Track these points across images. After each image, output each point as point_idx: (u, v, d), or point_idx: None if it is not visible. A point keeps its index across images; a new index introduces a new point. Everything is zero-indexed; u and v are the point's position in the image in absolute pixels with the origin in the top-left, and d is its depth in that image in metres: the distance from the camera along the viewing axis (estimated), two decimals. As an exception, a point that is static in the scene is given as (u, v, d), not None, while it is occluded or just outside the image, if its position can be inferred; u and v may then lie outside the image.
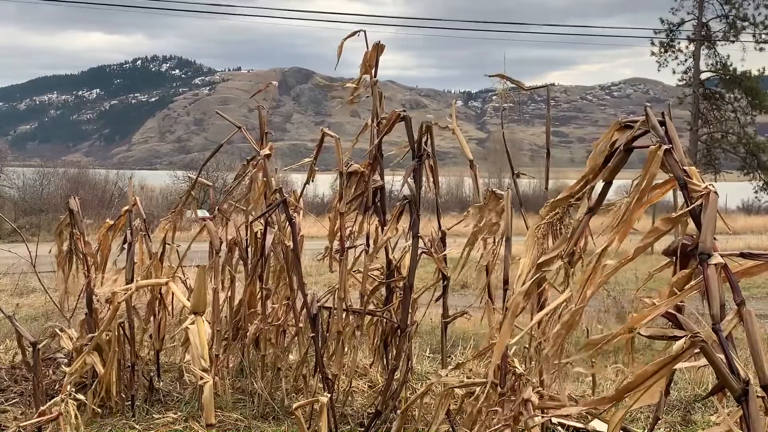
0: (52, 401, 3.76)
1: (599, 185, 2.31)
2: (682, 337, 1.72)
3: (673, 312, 1.81)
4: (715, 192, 1.88)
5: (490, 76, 4.07)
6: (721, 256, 1.79)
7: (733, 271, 1.83)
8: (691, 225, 1.93)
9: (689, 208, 1.89)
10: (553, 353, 2.26)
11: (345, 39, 4.64)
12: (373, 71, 4.61)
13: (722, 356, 1.68)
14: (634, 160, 2.35)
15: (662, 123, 2.04)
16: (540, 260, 2.41)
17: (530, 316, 3.95)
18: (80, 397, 3.87)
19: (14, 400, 5.12)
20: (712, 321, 1.69)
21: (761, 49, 37.85)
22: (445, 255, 4.57)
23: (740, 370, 1.67)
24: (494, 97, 4.63)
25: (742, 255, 1.89)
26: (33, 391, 4.50)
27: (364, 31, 4.58)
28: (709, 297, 1.71)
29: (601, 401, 1.92)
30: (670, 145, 1.97)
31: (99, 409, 4.66)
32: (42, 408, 3.72)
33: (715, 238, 1.83)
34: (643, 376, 1.75)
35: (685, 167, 1.93)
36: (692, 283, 1.83)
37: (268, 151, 5.03)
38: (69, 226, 5.32)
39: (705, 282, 1.74)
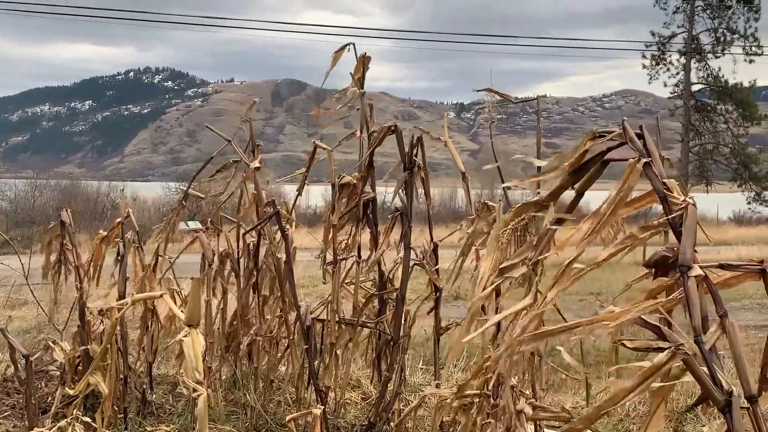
0: (57, 425, 3.75)
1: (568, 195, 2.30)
2: (666, 349, 1.74)
3: (657, 324, 1.83)
4: (694, 204, 1.90)
5: (477, 91, 4.10)
6: (701, 268, 1.81)
7: (713, 282, 1.85)
8: (673, 238, 1.95)
9: (668, 217, 1.91)
10: (510, 360, 2.26)
11: (336, 52, 4.69)
12: (360, 83, 4.66)
13: (705, 368, 1.69)
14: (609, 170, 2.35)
15: (640, 136, 2.05)
16: (503, 265, 2.39)
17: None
18: (86, 419, 3.86)
19: (6, 413, 5.10)
20: (694, 333, 1.70)
21: (751, 61, 38.13)
22: (438, 266, 4.59)
23: (723, 381, 1.69)
24: (487, 109, 4.66)
25: (721, 266, 1.92)
26: (25, 404, 4.49)
27: (353, 44, 4.64)
28: (690, 309, 1.73)
29: (578, 423, 1.92)
30: (649, 159, 1.98)
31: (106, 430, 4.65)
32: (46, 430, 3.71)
33: (695, 251, 1.86)
34: (622, 393, 1.76)
35: (664, 180, 1.95)
36: (674, 294, 1.85)
37: (257, 164, 5.04)
38: (59, 236, 5.32)
39: (685, 294, 1.76)
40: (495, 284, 2.38)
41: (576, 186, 2.21)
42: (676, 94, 39.88)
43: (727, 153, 39.12)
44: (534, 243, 2.29)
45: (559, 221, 2.21)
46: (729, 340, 1.74)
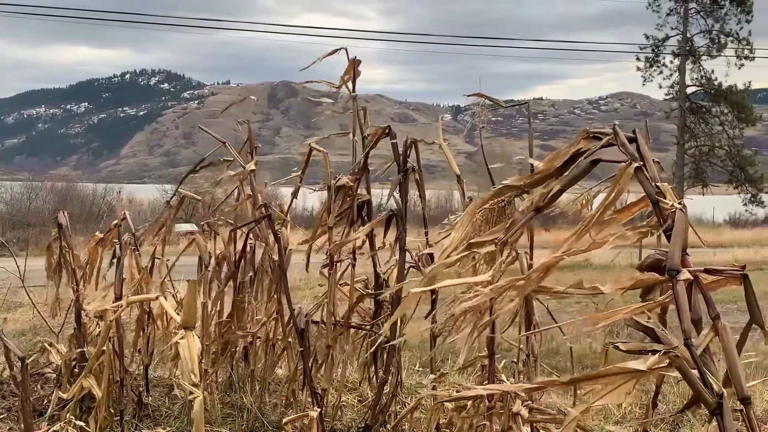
0: (51, 429, 3.74)
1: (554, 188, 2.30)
2: (658, 351, 1.75)
3: (652, 326, 1.84)
4: (682, 209, 1.91)
5: (468, 96, 4.12)
6: (690, 272, 1.83)
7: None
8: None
9: (659, 221, 1.92)
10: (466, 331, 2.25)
11: (326, 55, 4.75)
12: (351, 86, 4.69)
13: (696, 371, 1.70)
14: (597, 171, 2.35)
15: (632, 140, 2.06)
16: (473, 240, 2.36)
17: (518, 330, 3.99)
18: (80, 423, 3.85)
19: (2, 416, 5.09)
20: (684, 336, 1.72)
21: (741, 66, 38.17)
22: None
23: (714, 384, 1.70)
24: (483, 111, 4.68)
25: (706, 271, 1.94)
26: (21, 406, 4.48)
27: (345, 49, 4.68)
28: (679, 312, 1.74)
29: (551, 382, 1.93)
30: (641, 163, 1.99)
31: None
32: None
33: (687, 254, 1.87)
34: (604, 372, 1.77)
35: (657, 184, 1.96)
36: (661, 297, 1.86)
37: (252, 166, 5.03)
38: (58, 240, 5.31)
39: (675, 298, 1.77)
40: (461, 256, 2.36)
41: (558, 177, 2.22)
42: (671, 96, 39.89)
43: (722, 155, 39.11)
44: (507, 225, 2.29)
45: (538, 209, 2.21)
46: (721, 342, 1.74)
